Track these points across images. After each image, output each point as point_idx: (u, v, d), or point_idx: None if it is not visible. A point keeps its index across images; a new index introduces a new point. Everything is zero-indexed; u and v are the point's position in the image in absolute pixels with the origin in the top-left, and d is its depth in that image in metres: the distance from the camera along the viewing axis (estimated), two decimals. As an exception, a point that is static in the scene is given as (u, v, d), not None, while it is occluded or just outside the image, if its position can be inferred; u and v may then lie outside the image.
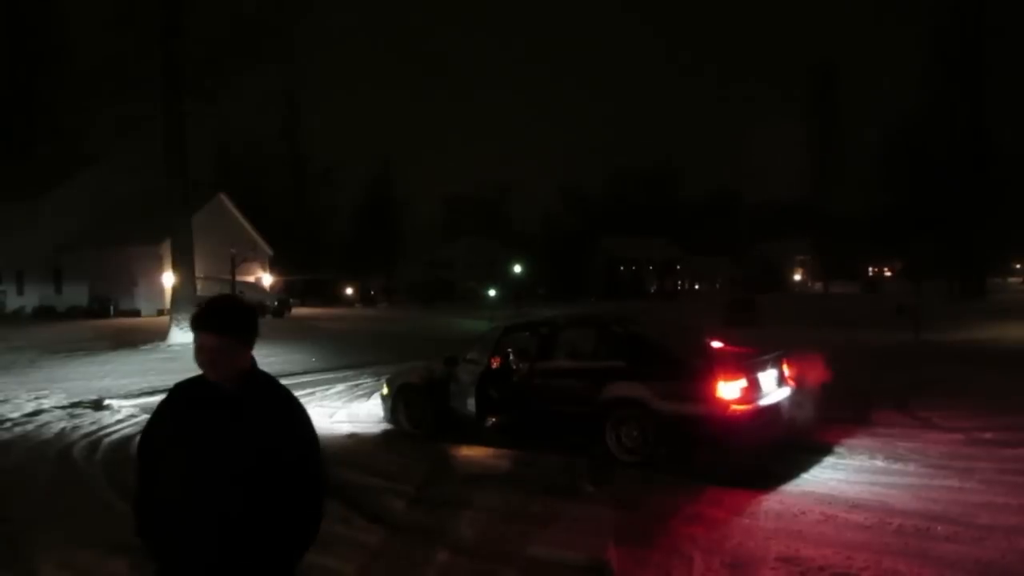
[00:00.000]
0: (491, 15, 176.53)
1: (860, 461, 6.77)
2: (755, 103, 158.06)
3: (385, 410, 8.97)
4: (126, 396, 11.68)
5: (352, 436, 8.53)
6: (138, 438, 2.38)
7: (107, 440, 8.37)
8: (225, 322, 2.15)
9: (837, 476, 6.30)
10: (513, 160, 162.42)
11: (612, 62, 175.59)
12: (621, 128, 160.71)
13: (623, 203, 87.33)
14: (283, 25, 22.01)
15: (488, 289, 59.34)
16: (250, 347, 2.20)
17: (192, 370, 2.25)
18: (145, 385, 12.74)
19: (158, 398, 2.32)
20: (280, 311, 31.73)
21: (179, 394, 2.24)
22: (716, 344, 7.81)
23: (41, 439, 8.56)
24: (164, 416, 2.24)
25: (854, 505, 5.43)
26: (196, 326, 2.15)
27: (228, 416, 2.11)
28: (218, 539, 2.05)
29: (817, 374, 8.17)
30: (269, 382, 2.24)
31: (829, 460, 6.82)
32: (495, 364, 8.28)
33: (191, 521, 2.06)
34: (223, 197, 37.21)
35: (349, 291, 63.03)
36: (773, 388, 7.02)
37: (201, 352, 2.14)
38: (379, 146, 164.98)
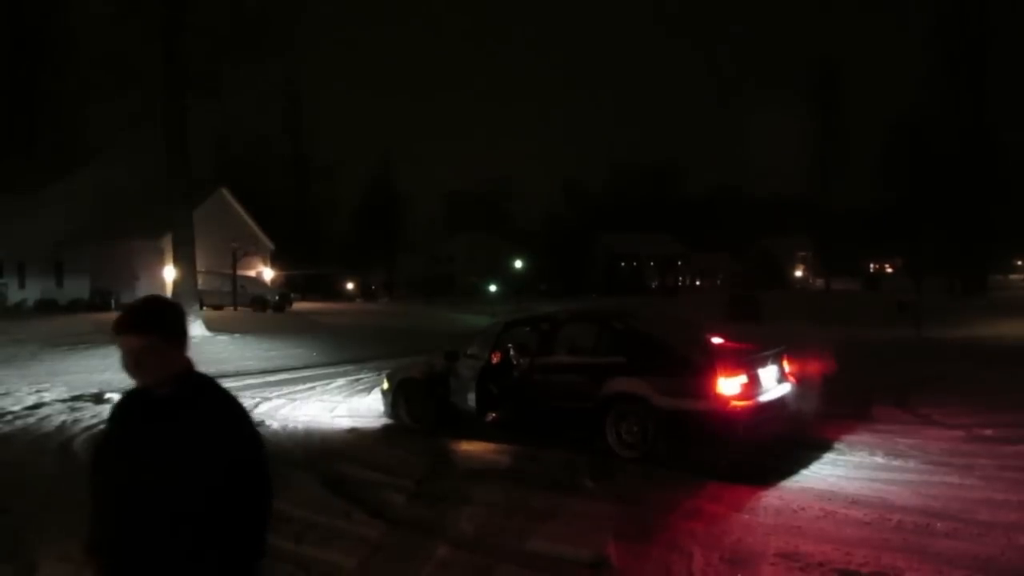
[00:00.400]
0: (492, 13, 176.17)
1: (860, 457, 6.78)
2: (757, 99, 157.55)
3: (385, 405, 8.97)
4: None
5: (353, 431, 8.55)
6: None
7: (108, 434, 8.37)
8: (144, 322, 2.06)
9: (837, 472, 6.31)
10: (515, 157, 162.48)
11: (613, 58, 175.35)
12: (623, 124, 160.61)
13: (624, 199, 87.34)
14: (284, 20, 21.98)
15: (489, 284, 59.25)
16: (180, 348, 2.11)
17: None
18: (146, 379, 12.71)
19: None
20: (281, 305, 31.79)
21: (122, 404, 2.19)
22: (717, 340, 7.80)
23: (42, 432, 8.57)
24: (109, 429, 2.18)
25: (853, 501, 5.44)
26: (115, 330, 2.06)
27: (162, 421, 2.03)
28: (164, 551, 1.97)
29: (818, 370, 8.20)
30: (206, 384, 2.15)
31: (829, 456, 6.82)
32: (496, 359, 8.28)
33: (136, 534, 1.99)
34: (225, 191, 37.15)
35: (350, 286, 63.04)
36: (773, 384, 7.03)
37: (124, 356, 2.06)
38: (380, 142, 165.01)
